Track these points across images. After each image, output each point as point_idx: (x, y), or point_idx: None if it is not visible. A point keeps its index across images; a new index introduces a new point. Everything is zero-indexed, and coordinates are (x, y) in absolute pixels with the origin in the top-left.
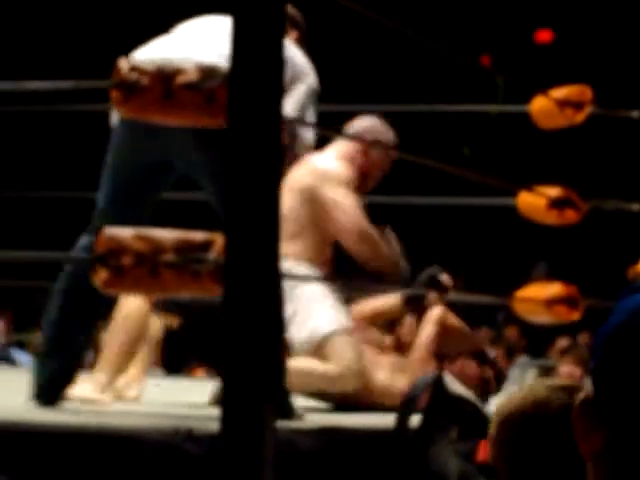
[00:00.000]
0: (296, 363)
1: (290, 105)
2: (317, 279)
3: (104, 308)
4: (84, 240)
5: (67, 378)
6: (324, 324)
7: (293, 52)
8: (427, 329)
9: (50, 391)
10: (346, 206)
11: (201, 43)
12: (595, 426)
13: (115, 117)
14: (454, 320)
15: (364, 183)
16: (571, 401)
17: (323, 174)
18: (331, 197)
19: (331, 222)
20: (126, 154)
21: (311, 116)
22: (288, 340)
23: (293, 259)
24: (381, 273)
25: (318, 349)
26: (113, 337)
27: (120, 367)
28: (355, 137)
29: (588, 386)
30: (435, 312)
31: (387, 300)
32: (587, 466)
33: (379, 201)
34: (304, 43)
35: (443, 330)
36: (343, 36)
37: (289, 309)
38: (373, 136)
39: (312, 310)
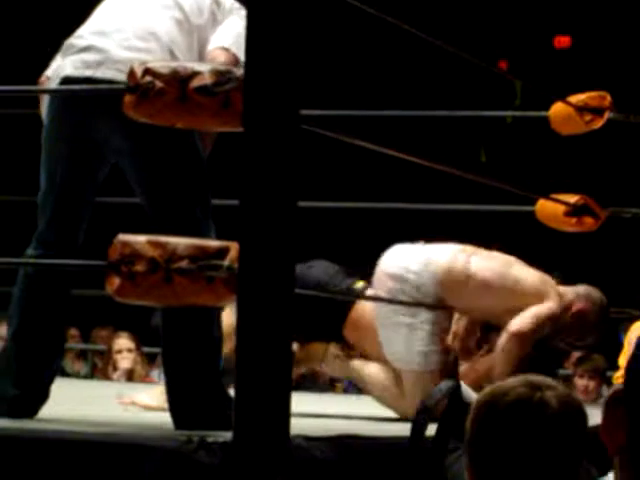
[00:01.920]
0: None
1: (229, 34)
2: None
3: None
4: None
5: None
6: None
7: None
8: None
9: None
10: None
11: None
12: (621, 421)
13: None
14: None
15: None
16: (529, 398)
17: None
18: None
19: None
20: (57, 147)
21: None
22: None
23: None
24: None
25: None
26: None
27: None
28: None
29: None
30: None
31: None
32: (614, 460)
33: (394, 207)
34: None
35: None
36: (362, 41)
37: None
38: None
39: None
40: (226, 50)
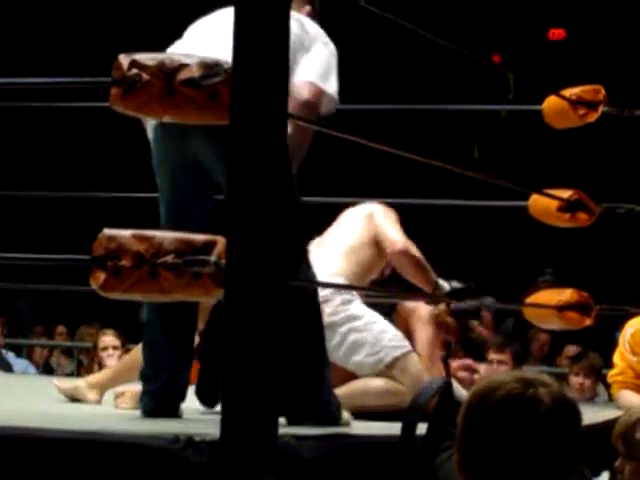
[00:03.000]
0: (373, 383)
1: (314, 65)
2: (343, 287)
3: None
4: None
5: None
6: (395, 344)
7: (307, 22)
8: (423, 330)
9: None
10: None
11: (219, 42)
12: None
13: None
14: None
15: None
16: (520, 395)
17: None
18: (382, 221)
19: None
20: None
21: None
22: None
23: (342, 277)
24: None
25: (392, 369)
26: None
27: None
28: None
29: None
30: (423, 312)
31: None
32: None
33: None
34: (317, 19)
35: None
36: (353, 35)
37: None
38: None
39: (377, 333)
40: (311, 84)
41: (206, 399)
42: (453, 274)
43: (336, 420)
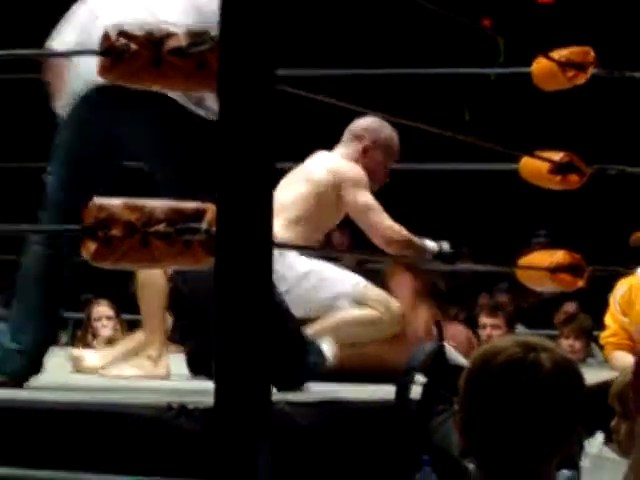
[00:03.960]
0: (342, 314)
1: None
2: (313, 249)
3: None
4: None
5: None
6: (352, 281)
7: None
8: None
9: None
10: (377, 211)
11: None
12: None
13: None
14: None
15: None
16: (520, 360)
17: (344, 175)
18: (363, 202)
19: (365, 225)
20: (79, 137)
21: None
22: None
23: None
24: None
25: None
26: (151, 310)
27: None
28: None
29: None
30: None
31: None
32: (638, 418)
33: None
34: None
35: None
36: None
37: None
38: (374, 135)
39: (331, 274)
40: None
41: (200, 370)
42: (446, 238)
43: (322, 363)
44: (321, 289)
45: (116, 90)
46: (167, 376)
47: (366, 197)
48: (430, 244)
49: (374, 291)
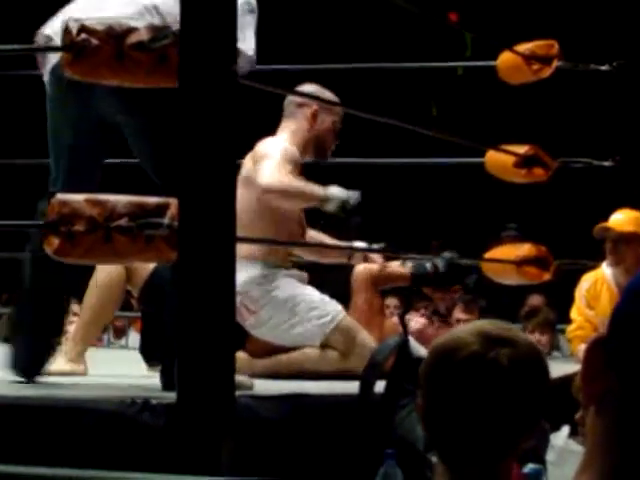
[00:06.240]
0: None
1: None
2: (274, 242)
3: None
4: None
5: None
6: (330, 314)
7: None
8: (358, 296)
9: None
10: (274, 160)
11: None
12: (603, 368)
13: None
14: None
15: (322, 148)
16: (481, 357)
17: (258, 153)
18: (264, 153)
19: (255, 174)
20: (62, 118)
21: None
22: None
23: (245, 259)
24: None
25: (333, 337)
26: (86, 306)
27: (92, 335)
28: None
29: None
30: (361, 277)
31: (398, 267)
32: (589, 410)
33: (347, 162)
34: None
35: (375, 286)
36: None
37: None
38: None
39: (308, 307)
40: None
41: (150, 357)
42: (417, 233)
43: None
44: (292, 327)
45: None
46: (83, 373)
47: (274, 154)
48: (334, 192)
49: (342, 331)
